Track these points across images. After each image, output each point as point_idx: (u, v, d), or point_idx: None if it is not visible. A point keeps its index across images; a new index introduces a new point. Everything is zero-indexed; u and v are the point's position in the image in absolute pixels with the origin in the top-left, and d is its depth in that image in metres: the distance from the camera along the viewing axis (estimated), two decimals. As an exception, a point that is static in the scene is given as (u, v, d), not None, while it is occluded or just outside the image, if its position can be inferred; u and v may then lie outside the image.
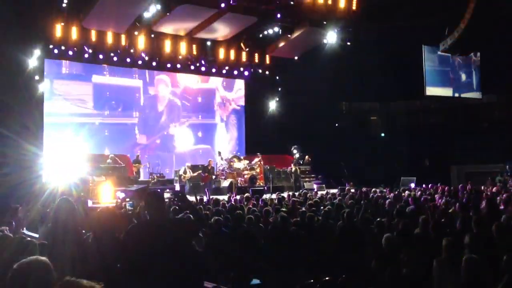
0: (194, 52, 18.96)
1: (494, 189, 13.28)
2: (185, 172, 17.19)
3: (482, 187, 14.42)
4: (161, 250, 3.34)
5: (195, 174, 17.07)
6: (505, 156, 19.50)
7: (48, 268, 2.00)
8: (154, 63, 18.79)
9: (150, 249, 3.35)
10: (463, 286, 3.83)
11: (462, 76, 22.78)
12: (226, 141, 22.14)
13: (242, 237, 6.98)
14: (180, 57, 18.86)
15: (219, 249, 6.77)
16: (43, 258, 2.07)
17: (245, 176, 17.88)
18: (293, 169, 18.83)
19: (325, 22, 18.09)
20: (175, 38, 18.35)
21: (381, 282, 4.83)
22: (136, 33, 17.30)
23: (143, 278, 3.28)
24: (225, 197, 13.46)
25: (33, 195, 12.25)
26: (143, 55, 18.05)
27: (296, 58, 20.62)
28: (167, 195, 11.34)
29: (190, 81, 21.09)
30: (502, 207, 8.99)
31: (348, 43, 19.16)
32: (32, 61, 15.03)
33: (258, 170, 18.36)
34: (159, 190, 8.99)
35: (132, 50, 17.69)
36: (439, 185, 14.34)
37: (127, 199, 9.84)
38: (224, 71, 20.85)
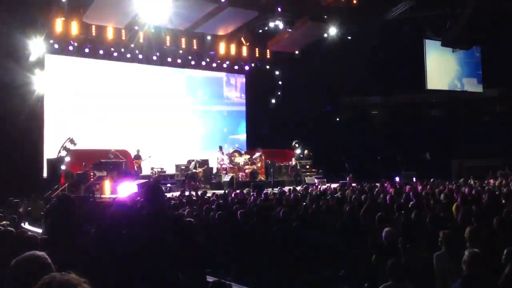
0: (195, 47, 18.89)
1: (496, 183, 13.25)
2: (195, 168, 17.07)
3: (485, 181, 14.38)
4: (157, 242, 3.33)
5: (199, 170, 16.97)
6: (506, 150, 19.45)
7: (46, 262, 1.99)
8: (154, 58, 18.74)
9: (146, 240, 3.33)
10: (464, 279, 3.83)
11: (463, 70, 22.70)
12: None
13: (243, 231, 6.98)
14: (180, 51, 18.81)
15: (221, 243, 6.79)
16: (41, 252, 2.06)
17: (246, 171, 17.87)
18: (294, 163, 18.84)
19: (326, 16, 18.02)
20: (176, 32, 18.26)
21: (382, 276, 4.83)
22: (136, 27, 17.21)
23: (139, 270, 3.27)
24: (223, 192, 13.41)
25: (34, 190, 12.29)
26: (143, 50, 17.98)
27: (297, 52, 20.54)
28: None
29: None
30: (503, 201, 8.97)
31: (349, 37, 19.09)
32: (33, 56, 15.05)
33: (259, 164, 18.34)
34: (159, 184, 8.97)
35: (132, 45, 17.61)
36: (439, 180, 14.31)
37: None
38: (224, 66, 20.79)
